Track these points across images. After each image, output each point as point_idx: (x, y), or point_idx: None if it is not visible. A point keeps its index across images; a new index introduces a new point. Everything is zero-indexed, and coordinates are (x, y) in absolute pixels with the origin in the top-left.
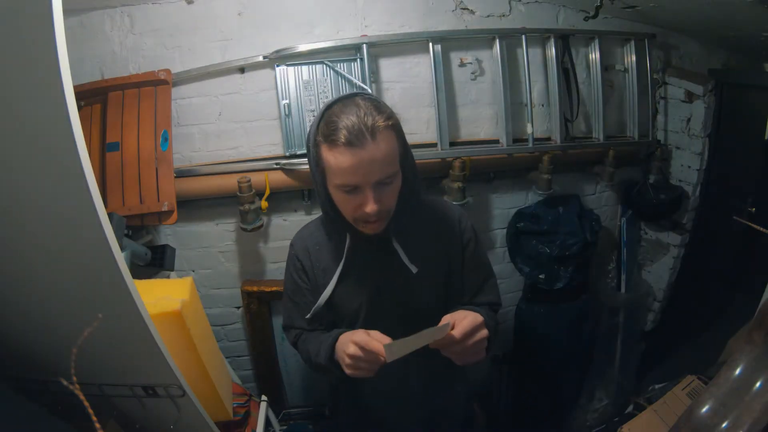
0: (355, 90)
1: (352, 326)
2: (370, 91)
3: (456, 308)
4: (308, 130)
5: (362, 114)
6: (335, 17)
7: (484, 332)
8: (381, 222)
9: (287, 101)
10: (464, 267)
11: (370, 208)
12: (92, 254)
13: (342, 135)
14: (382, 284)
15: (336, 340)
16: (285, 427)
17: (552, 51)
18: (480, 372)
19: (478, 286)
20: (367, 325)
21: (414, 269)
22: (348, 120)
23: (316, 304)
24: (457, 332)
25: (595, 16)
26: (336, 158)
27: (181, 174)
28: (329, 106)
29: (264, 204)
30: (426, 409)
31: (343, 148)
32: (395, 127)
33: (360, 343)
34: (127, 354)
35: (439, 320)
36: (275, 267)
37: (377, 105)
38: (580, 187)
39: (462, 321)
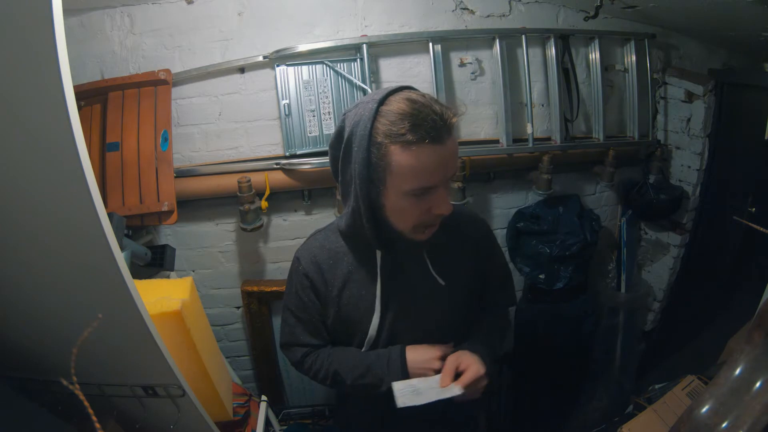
0: (356, 91)
1: (370, 339)
2: (370, 90)
3: (464, 342)
4: (346, 135)
5: (436, 107)
6: (335, 17)
7: (484, 382)
8: (437, 225)
9: (287, 101)
10: (487, 272)
11: (447, 207)
12: (92, 254)
13: (421, 132)
14: (408, 297)
15: (404, 359)
16: (285, 427)
17: (552, 51)
18: None
19: (496, 287)
20: (389, 339)
21: (442, 282)
22: (427, 114)
23: (368, 337)
24: (460, 385)
25: (595, 16)
26: (418, 158)
27: (181, 174)
28: (381, 103)
29: (264, 204)
30: (436, 414)
31: (428, 146)
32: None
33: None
34: (127, 354)
35: (460, 332)
36: (275, 267)
37: (434, 97)
38: (580, 187)
39: (467, 372)
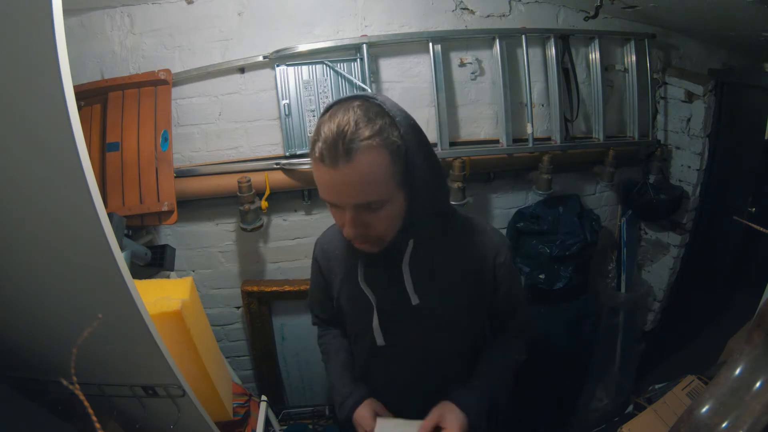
0: (356, 91)
1: (356, 342)
2: (370, 91)
3: (460, 389)
4: None
5: (344, 126)
6: (335, 17)
7: None
8: (373, 245)
9: (287, 101)
10: (495, 300)
11: (347, 231)
12: (92, 254)
13: (317, 148)
14: (387, 308)
15: (353, 410)
16: (285, 427)
17: (552, 51)
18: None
19: (503, 313)
20: (372, 349)
21: (414, 300)
22: (327, 130)
23: (358, 332)
24: None
25: (595, 16)
26: (315, 170)
27: (181, 174)
28: (328, 108)
29: (264, 204)
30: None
31: (318, 163)
32: (387, 144)
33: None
34: (127, 354)
35: (447, 354)
36: (275, 267)
37: (370, 114)
38: (580, 187)
39: (448, 429)
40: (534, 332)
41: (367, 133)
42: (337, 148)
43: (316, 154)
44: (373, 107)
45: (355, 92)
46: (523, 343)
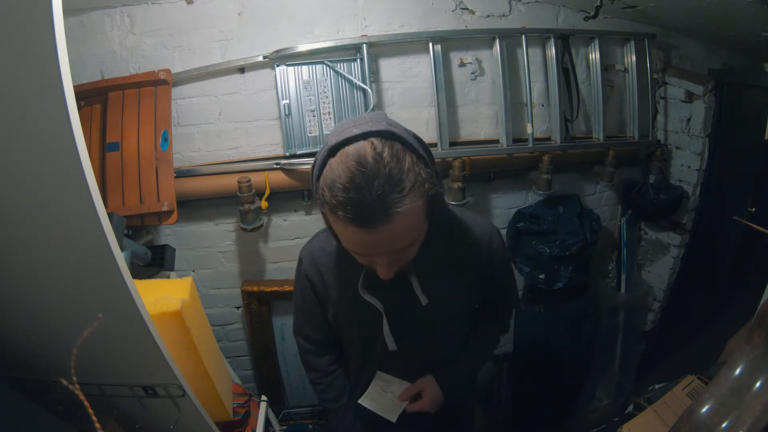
0: (356, 92)
1: (363, 351)
2: (371, 93)
3: (444, 367)
4: (312, 163)
5: (377, 184)
6: (335, 17)
7: (430, 411)
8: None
9: (287, 101)
10: (490, 285)
11: (384, 275)
12: (92, 254)
13: (346, 211)
14: (396, 312)
15: None
16: (285, 427)
17: (552, 51)
18: (481, 373)
19: (499, 296)
20: (382, 354)
21: (424, 301)
22: (355, 192)
23: (361, 343)
24: (415, 407)
25: (595, 16)
26: (342, 230)
27: (181, 174)
28: (332, 151)
29: (264, 204)
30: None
31: (351, 225)
32: (423, 193)
33: None
34: (127, 354)
35: (451, 347)
36: (275, 267)
37: (398, 159)
38: (580, 187)
39: (416, 404)
40: (518, 308)
41: (406, 186)
42: (375, 214)
43: (340, 215)
44: (395, 145)
45: (355, 91)
46: (510, 321)
